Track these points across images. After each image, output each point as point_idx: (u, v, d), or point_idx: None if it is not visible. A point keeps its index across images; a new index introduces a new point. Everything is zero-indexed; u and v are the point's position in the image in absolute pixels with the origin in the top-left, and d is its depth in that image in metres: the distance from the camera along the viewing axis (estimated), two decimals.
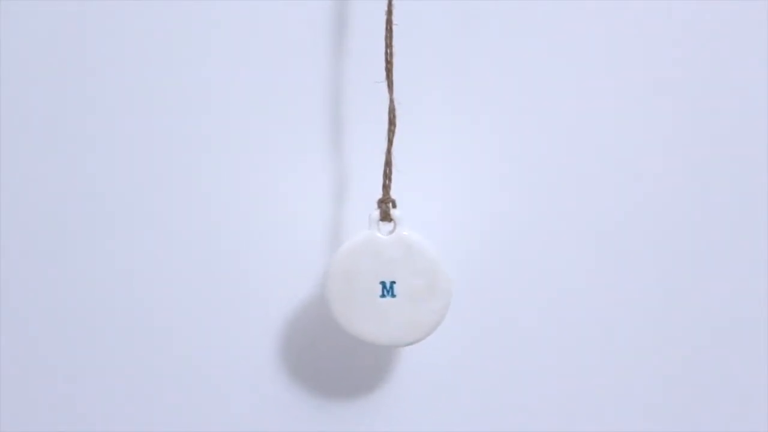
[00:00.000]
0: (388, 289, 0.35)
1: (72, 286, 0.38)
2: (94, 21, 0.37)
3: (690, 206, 0.39)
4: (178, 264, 0.38)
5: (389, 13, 0.35)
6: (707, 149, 0.39)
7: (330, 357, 0.39)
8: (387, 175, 0.36)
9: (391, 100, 0.35)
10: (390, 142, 0.35)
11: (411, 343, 0.36)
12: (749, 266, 0.39)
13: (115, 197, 0.38)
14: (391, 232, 0.35)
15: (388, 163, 0.35)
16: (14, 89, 0.37)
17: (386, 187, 0.36)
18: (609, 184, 0.39)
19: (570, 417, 0.40)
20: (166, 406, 0.39)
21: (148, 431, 0.39)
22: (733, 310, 0.39)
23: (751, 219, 0.39)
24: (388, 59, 0.35)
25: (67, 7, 0.36)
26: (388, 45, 0.35)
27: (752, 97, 0.38)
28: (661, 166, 0.39)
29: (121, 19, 0.37)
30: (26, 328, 0.38)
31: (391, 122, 0.35)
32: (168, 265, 0.38)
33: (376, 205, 0.35)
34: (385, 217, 0.35)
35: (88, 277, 0.38)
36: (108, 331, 0.38)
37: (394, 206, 0.36)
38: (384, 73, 0.35)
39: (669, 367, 0.40)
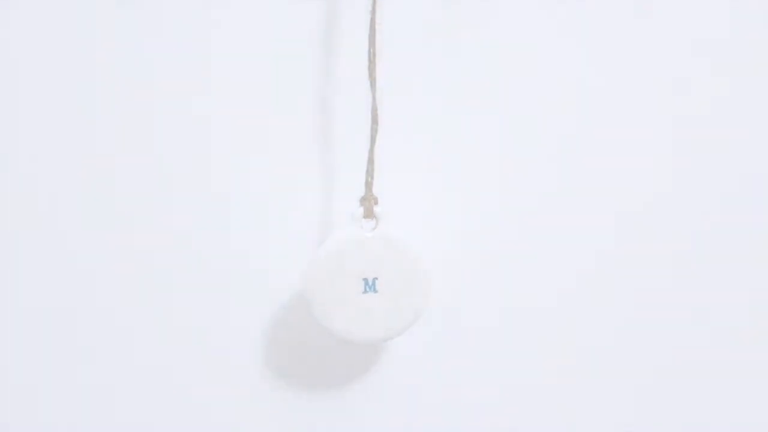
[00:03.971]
0: (370, 285, 0.35)
1: (62, 285, 0.38)
2: (93, 21, 0.36)
3: (685, 204, 0.39)
4: (163, 262, 0.38)
5: (373, 12, 0.35)
6: (705, 148, 0.39)
7: (314, 354, 0.39)
8: (370, 173, 0.36)
9: (374, 99, 0.35)
10: (373, 140, 0.36)
11: (390, 339, 0.36)
12: (750, 266, 0.40)
13: (104, 194, 0.37)
14: (374, 229, 0.36)
15: (370, 161, 0.36)
16: (14, 88, 0.37)
17: (369, 185, 0.36)
18: (596, 182, 0.39)
19: (555, 411, 0.40)
20: (152, 404, 0.39)
21: (134, 430, 0.39)
22: (733, 311, 0.40)
23: (753, 219, 0.40)
24: (371, 59, 0.35)
25: (68, 6, 0.36)
26: (372, 44, 0.35)
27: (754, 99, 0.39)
28: (635, 156, 0.39)
29: (113, 19, 0.36)
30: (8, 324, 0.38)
31: (374, 121, 0.35)
32: (152, 263, 0.38)
33: (358, 203, 0.36)
34: (368, 214, 0.36)
35: (78, 276, 0.38)
36: (100, 327, 0.38)
37: (376, 203, 0.36)
38: (367, 73, 0.35)
39: (667, 366, 0.40)
